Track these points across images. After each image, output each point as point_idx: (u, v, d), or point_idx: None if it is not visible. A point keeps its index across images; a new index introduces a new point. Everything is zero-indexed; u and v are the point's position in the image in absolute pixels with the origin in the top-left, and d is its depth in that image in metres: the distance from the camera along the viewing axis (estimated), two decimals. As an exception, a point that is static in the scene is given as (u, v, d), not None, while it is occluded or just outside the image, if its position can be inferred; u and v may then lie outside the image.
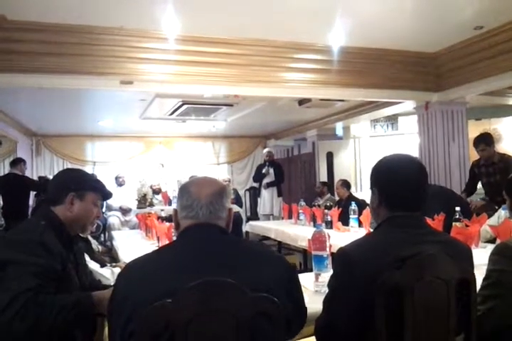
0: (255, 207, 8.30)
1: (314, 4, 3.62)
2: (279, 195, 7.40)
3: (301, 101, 6.01)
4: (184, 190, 1.30)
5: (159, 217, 3.95)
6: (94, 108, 6.61)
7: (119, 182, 7.46)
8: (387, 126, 7.91)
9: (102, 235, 6.73)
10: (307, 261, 4.48)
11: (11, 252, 1.44)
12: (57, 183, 1.74)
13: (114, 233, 4.91)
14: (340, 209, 4.26)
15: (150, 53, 4.22)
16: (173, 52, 4.25)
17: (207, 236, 1.24)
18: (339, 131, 8.64)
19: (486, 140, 4.26)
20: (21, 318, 1.31)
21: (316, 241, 1.97)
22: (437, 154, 5.26)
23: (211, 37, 4.25)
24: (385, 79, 4.99)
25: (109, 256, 3.66)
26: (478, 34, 4.39)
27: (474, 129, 5.95)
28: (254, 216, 8.30)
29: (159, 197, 7.83)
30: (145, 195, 7.33)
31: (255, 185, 8.04)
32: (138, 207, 7.09)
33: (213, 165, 10.13)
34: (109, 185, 5.29)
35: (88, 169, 8.41)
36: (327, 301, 1.34)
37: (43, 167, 9.03)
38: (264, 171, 7.36)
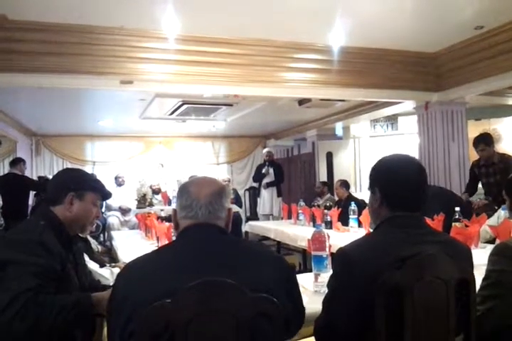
0: (255, 207, 8.29)
1: (314, 4, 3.62)
2: (279, 195, 7.40)
3: (301, 101, 6.01)
4: (183, 189, 1.30)
5: (159, 217, 3.94)
6: (94, 108, 6.61)
7: (119, 182, 7.46)
8: (387, 126, 7.90)
9: (102, 235, 6.73)
10: (306, 261, 4.48)
11: (11, 252, 1.44)
12: (57, 183, 1.73)
13: (113, 233, 4.90)
14: (340, 209, 4.26)
15: (150, 53, 4.22)
16: (173, 52, 4.25)
17: (206, 236, 1.24)
18: (339, 131, 8.64)
19: (485, 140, 4.26)
20: (21, 318, 1.31)
21: (316, 241, 1.97)
22: (437, 154, 5.26)
23: (211, 37, 4.25)
24: (385, 79, 4.99)
25: (109, 256, 3.65)
26: (478, 34, 4.39)
27: (474, 129, 5.95)
28: (253, 216, 8.28)
29: (159, 197, 7.82)
30: (145, 194, 7.32)
31: (255, 185, 8.03)
32: (137, 207, 7.08)
33: (213, 165, 10.13)
34: (109, 184, 5.28)
35: (88, 169, 8.41)
36: (327, 301, 1.34)
37: (43, 167, 9.03)
38: (263, 171, 7.35)
